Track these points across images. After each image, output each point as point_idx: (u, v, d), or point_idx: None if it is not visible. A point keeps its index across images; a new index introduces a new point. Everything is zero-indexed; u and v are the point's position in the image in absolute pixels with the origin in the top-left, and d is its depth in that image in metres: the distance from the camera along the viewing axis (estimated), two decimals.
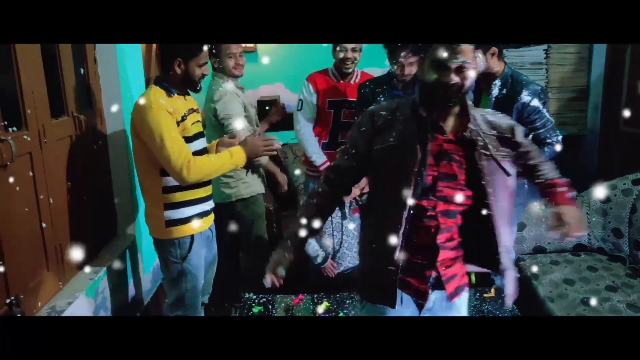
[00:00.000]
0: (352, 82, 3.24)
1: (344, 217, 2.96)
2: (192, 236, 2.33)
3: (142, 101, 2.17)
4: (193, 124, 2.32)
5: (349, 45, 3.06)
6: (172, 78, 2.28)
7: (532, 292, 2.89)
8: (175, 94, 2.27)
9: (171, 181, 2.24)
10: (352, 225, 2.99)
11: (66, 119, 2.45)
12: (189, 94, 2.39)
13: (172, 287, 2.37)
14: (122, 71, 2.88)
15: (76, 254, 2.51)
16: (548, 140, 2.54)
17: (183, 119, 2.24)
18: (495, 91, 2.63)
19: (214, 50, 2.86)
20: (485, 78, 2.67)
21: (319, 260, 2.94)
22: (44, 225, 2.21)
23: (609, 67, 4.09)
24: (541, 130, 2.53)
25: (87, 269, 2.55)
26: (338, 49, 3.11)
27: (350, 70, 3.18)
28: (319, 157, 3.17)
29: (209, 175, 2.25)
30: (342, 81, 3.24)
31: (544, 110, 2.53)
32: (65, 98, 2.47)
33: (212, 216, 2.49)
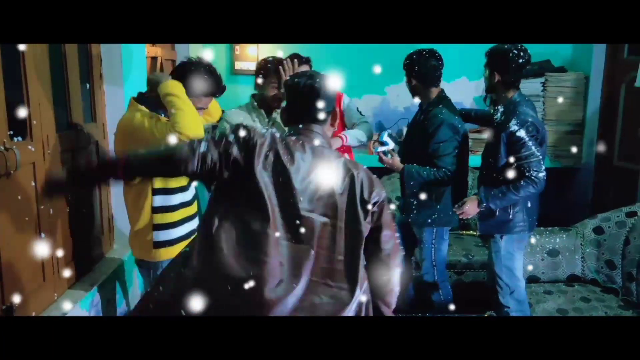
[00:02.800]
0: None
1: None
2: None
3: (131, 118, 2.09)
4: None
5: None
6: (157, 101, 2.17)
7: None
8: (163, 115, 2.18)
9: (161, 201, 2.19)
10: None
11: (70, 132, 2.48)
12: None
13: None
14: (127, 88, 2.93)
15: (72, 266, 2.52)
16: (527, 174, 2.53)
17: None
18: (497, 116, 2.70)
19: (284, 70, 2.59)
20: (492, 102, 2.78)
21: None
22: (42, 235, 2.22)
23: (604, 102, 4.18)
24: (523, 162, 2.54)
25: (83, 282, 2.55)
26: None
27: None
28: None
29: (193, 112, 2.11)
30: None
31: (530, 143, 2.51)
32: (70, 111, 2.51)
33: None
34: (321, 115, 1.70)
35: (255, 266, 1.55)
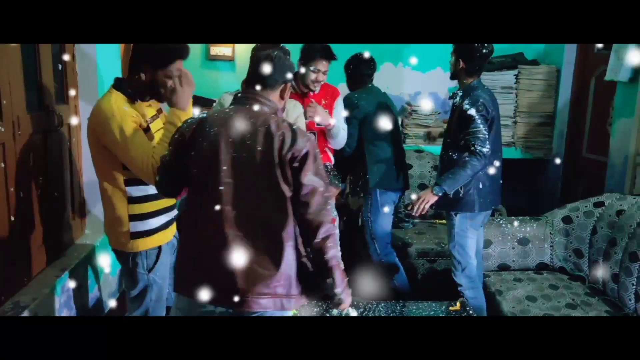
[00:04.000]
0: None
1: None
2: (159, 247, 2.21)
3: (103, 108, 2.01)
4: (157, 131, 2.16)
5: (323, 68, 2.90)
6: (137, 83, 2.08)
7: (496, 308, 2.96)
8: (138, 101, 2.10)
9: (136, 191, 2.11)
10: None
11: (41, 113, 2.42)
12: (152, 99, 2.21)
13: (137, 299, 2.24)
14: (100, 69, 2.87)
15: (43, 250, 2.47)
16: (471, 148, 2.64)
17: (148, 128, 2.09)
18: (456, 100, 2.85)
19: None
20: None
21: None
22: (12, 218, 2.17)
23: (575, 95, 4.27)
24: (469, 137, 2.66)
25: (54, 266, 2.51)
26: (312, 69, 2.89)
27: (317, 91, 3.01)
28: None
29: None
30: (305, 99, 3.01)
31: (479, 121, 2.64)
32: (42, 92, 2.45)
33: (175, 225, 2.34)
34: (268, 82, 1.76)
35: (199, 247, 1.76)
